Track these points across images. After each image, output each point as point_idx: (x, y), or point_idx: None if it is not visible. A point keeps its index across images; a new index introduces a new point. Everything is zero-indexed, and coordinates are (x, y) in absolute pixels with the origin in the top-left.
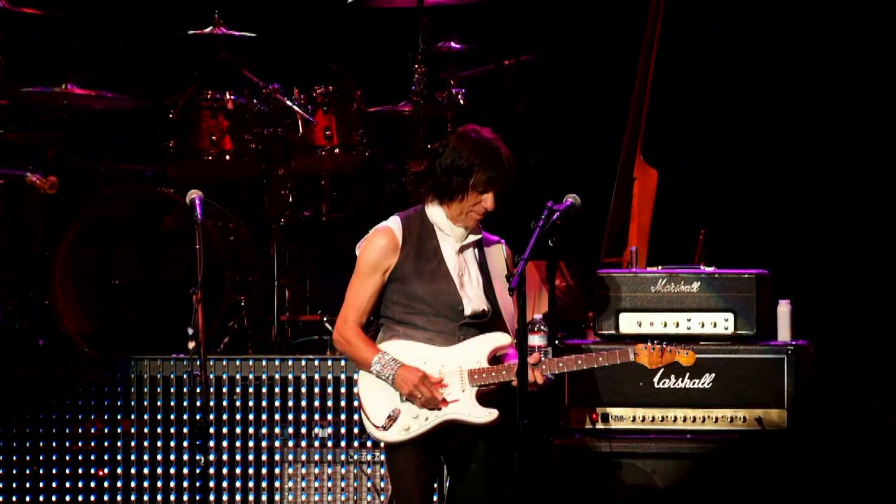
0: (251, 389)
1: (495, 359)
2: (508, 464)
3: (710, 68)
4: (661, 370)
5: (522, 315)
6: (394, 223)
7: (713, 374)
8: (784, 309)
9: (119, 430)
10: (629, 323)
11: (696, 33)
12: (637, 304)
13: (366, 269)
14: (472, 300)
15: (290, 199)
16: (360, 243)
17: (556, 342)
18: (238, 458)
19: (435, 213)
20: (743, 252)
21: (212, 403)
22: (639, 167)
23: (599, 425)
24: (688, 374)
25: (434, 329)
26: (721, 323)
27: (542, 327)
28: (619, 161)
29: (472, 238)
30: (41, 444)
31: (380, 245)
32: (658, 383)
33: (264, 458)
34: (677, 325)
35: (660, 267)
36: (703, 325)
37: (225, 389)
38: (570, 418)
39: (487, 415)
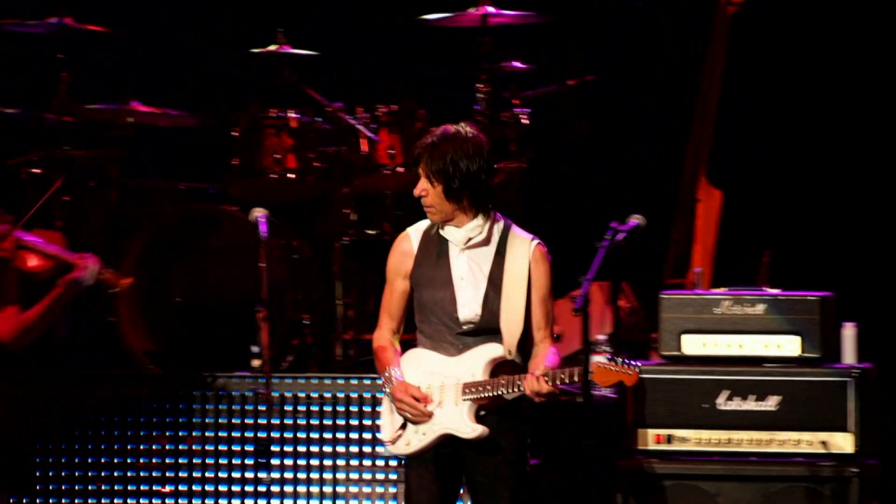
0: (314, 408)
1: (496, 369)
2: (514, 473)
3: (775, 88)
4: (726, 392)
5: (586, 336)
6: (413, 229)
7: (778, 397)
8: (849, 332)
9: (182, 448)
10: (693, 344)
11: (762, 52)
12: (701, 326)
13: (389, 274)
14: (466, 307)
15: (354, 218)
16: None
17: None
18: (301, 476)
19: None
20: (808, 274)
21: (275, 421)
22: (703, 188)
23: (663, 446)
24: (752, 396)
25: (437, 338)
26: (786, 345)
27: (605, 348)
28: (682, 182)
29: (477, 239)
30: (103, 461)
31: (397, 250)
32: (722, 405)
33: (327, 476)
34: (741, 347)
35: (724, 289)
36: (767, 348)
37: (288, 408)
38: (634, 439)
39: (471, 431)
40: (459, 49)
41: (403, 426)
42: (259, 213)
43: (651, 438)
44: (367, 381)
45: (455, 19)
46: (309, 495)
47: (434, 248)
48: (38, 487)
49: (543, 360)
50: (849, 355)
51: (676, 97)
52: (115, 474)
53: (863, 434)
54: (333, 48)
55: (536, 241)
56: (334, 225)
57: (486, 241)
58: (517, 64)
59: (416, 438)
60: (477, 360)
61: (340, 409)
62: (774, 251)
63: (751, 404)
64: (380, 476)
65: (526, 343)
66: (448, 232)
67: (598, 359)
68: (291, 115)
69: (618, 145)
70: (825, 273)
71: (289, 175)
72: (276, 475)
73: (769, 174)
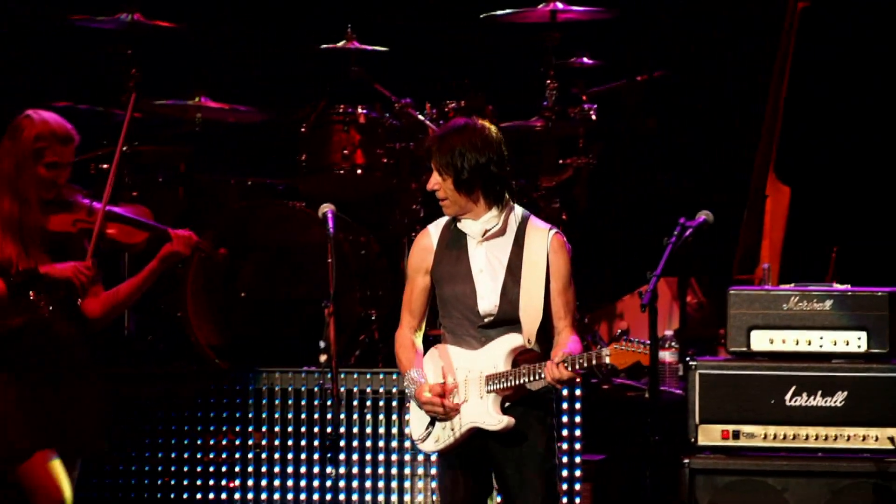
0: (381, 403)
1: (518, 359)
2: (543, 464)
3: (843, 83)
4: (793, 388)
5: (654, 332)
6: (433, 225)
7: (846, 393)
8: None
9: (250, 443)
10: (761, 340)
11: (831, 47)
12: (769, 322)
13: (409, 270)
14: (485, 299)
15: (421, 214)
16: None
17: (687, 359)
18: (368, 471)
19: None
20: (876, 270)
21: (342, 416)
22: (771, 184)
23: (730, 442)
24: (819, 392)
25: (461, 332)
26: (854, 341)
27: (672, 344)
28: (751, 178)
29: (493, 230)
30: (173, 456)
31: (417, 246)
32: (790, 401)
33: (394, 471)
34: (809, 343)
35: (792, 284)
36: (835, 344)
37: (355, 403)
38: (701, 435)
39: (498, 422)
40: (528, 45)
41: (432, 423)
42: (327, 209)
43: (718, 434)
44: None
45: (524, 15)
46: (375, 489)
47: (453, 243)
48: (106, 482)
49: (563, 348)
50: None
51: (745, 93)
52: (184, 469)
53: None
54: (402, 44)
55: (554, 231)
56: (402, 220)
57: (503, 232)
58: (586, 60)
59: (445, 435)
60: (498, 351)
61: (407, 404)
62: (842, 247)
63: (818, 400)
64: None
65: (547, 332)
66: (465, 225)
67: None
68: (360, 110)
69: (686, 141)
70: (894, 268)
71: (357, 171)
72: (342, 470)
73: (837, 170)
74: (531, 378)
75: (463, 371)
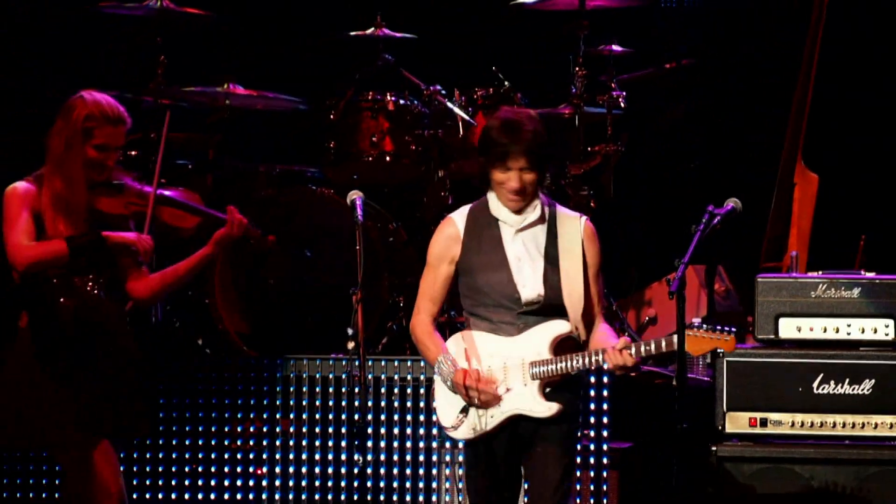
0: (409, 390)
1: (559, 346)
2: (570, 446)
3: (872, 71)
4: (820, 376)
5: (681, 319)
6: (458, 214)
7: (873, 381)
8: None
9: (278, 430)
10: (788, 328)
11: (859, 36)
12: (797, 310)
13: (433, 259)
14: (527, 287)
15: (449, 202)
16: None
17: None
18: (395, 458)
19: (492, 200)
20: None
21: (370, 404)
22: (799, 172)
23: (757, 430)
24: (847, 380)
25: (497, 319)
26: (881, 329)
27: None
28: (779, 165)
29: (532, 218)
30: (200, 443)
31: (443, 235)
32: (817, 388)
33: (421, 458)
34: (837, 331)
35: (820, 272)
36: (863, 332)
37: (383, 390)
38: (729, 423)
39: (547, 409)
40: (556, 32)
41: (464, 410)
42: (356, 196)
43: (745, 421)
44: None
45: (552, 2)
46: (403, 477)
47: (483, 232)
48: (134, 468)
49: (608, 335)
50: None
51: (774, 82)
52: (212, 456)
53: None
54: (431, 32)
55: (585, 218)
56: (430, 208)
57: (540, 221)
58: (614, 47)
59: (484, 422)
60: (542, 338)
61: (432, 390)
62: (870, 235)
63: (845, 388)
64: None
65: (587, 318)
66: (503, 214)
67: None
68: (388, 97)
69: (714, 129)
70: None
71: (385, 158)
72: (370, 457)
73: (866, 158)
74: (585, 365)
75: (500, 358)
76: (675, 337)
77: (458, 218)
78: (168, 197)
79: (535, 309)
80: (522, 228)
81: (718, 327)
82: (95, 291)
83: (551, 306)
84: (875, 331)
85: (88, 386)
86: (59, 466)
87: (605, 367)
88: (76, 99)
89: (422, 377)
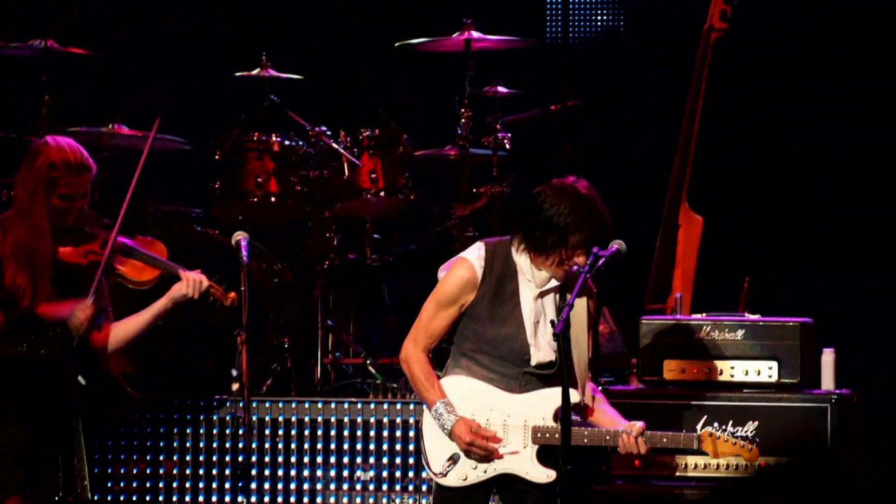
0: (293, 432)
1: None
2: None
3: (755, 115)
4: (704, 418)
5: (563, 360)
6: (476, 258)
7: (756, 423)
8: (828, 357)
9: (162, 471)
10: (673, 370)
11: (743, 80)
12: (681, 351)
13: (444, 299)
14: (541, 350)
15: (335, 242)
16: (444, 267)
17: (601, 388)
18: (280, 500)
19: (520, 257)
20: (787, 300)
21: (254, 445)
22: (684, 214)
23: (642, 471)
24: (731, 422)
25: (497, 371)
26: (765, 371)
27: None
28: (664, 207)
29: (554, 283)
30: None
31: (459, 278)
32: (701, 430)
33: (306, 500)
34: (721, 373)
35: (704, 314)
36: (746, 373)
37: (268, 431)
38: (614, 464)
39: (545, 476)
40: (443, 74)
41: (452, 458)
42: (241, 237)
43: (630, 463)
44: (346, 405)
45: (439, 44)
46: None
47: (502, 282)
48: None
49: (615, 417)
50: (828, 381)
51: (659, 123)
52: (95, 498)
53: (840, 459)
54: (317, 72)
55: (593, 290)
56: (316, 249)
57: (560, 285)
58: (500, 88)
59: (475, 474)
60: (547, 403)
61: (320, 432)
62: (754, 277)
63: (730, 429)
64: (357, 501)
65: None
66: (528, 271)
67: (709, 429)
68: (274, 138)
69: (600, 170)
70: (805, 299)
71: (271, 198)
72: (254, 499)
73: (750, 200)
74: (592, 443)
75: (500, 414)
76: (696, 437)
77: (476, 261)
78: (129, 247)
79: (544, 372)
80: (545, 291)
81: (741, 435)
82: (49, 343)
83: (561, 372)
84: (759, 373)
85: (25, 442)
86: None
87: (612, 449)
88: (41, 145)
89: (306, 419)
